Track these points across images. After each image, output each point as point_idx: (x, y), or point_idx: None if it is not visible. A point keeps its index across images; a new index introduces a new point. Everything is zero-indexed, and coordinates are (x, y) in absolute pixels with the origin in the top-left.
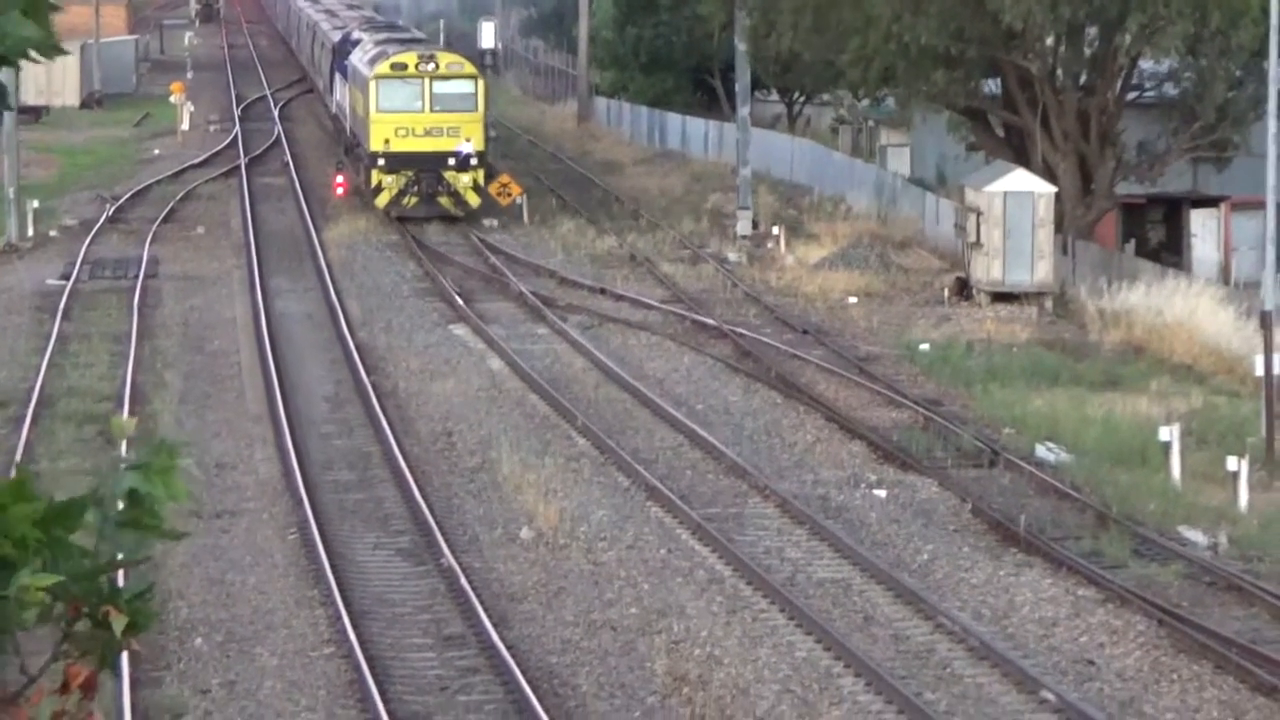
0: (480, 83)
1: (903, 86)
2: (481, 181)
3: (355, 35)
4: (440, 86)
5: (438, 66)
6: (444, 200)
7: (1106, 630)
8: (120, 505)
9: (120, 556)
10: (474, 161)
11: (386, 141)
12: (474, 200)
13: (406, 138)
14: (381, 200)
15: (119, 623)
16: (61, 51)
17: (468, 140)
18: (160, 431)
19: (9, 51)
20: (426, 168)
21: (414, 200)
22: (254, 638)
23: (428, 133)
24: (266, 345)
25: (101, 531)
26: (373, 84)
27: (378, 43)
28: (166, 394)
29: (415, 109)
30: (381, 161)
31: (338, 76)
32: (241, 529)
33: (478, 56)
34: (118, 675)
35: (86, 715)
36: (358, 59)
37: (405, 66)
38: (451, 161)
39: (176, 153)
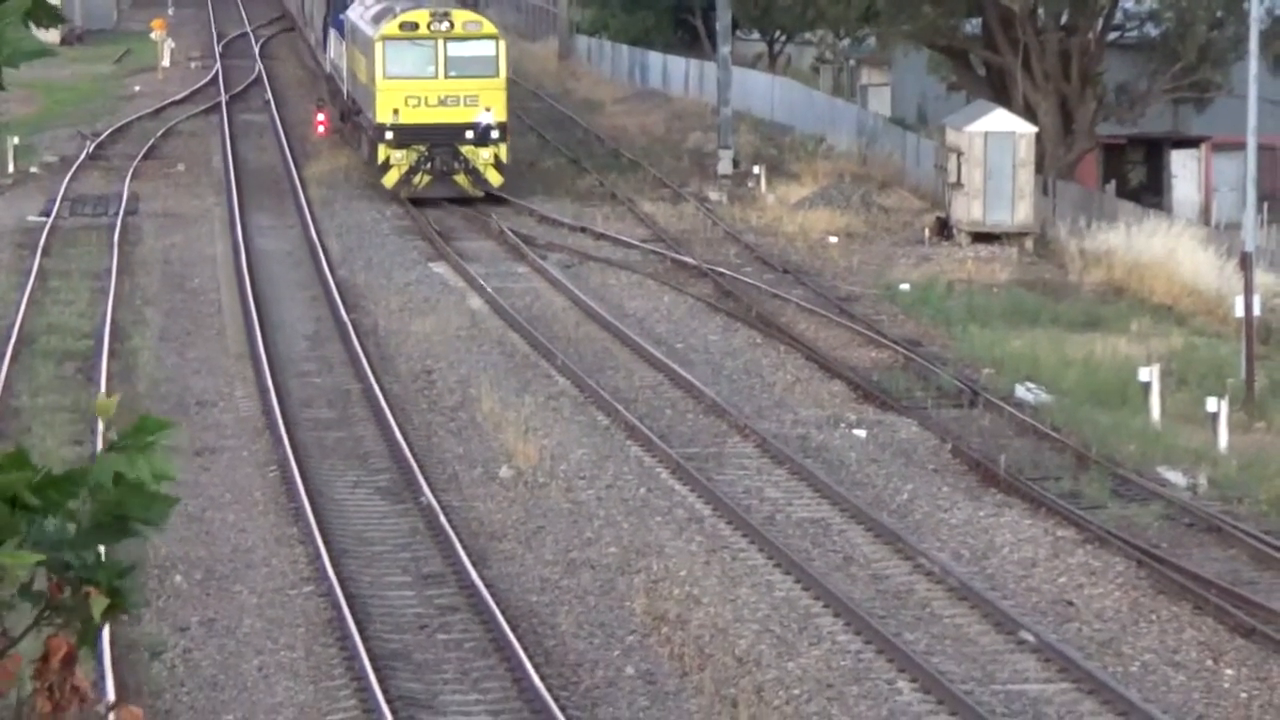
0: (501, 44)
1: (884, 23)
2: (504, 157)
3: None
4: (456, 49)
5: (452, 26)
6: (460, 179)
7: (1086, 571)
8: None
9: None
10: (495, 134)
11: (395, 112)
12: (495, 179)
13: (418, 108)
14: (389, 179)
15: (98, 604)
16: (53, 53)
17: (488, 110)
18: (141, 368)
19: (7, 62)
20: (440, 141)
21: (426, 179)
22: (233, 575)
23: (442, 102)
24: (246, 283)
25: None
26: (379, 46)
27: None
28: (147, 331)
29: (428, 75)
30: (389, 135)
31: (333, 33)
32: (221, 466)
33: None
34: (98, 652)
35: (70, 685)
36: (358, 15)
37: (416, 26)
38: (469, 134)
39: (157, 89)
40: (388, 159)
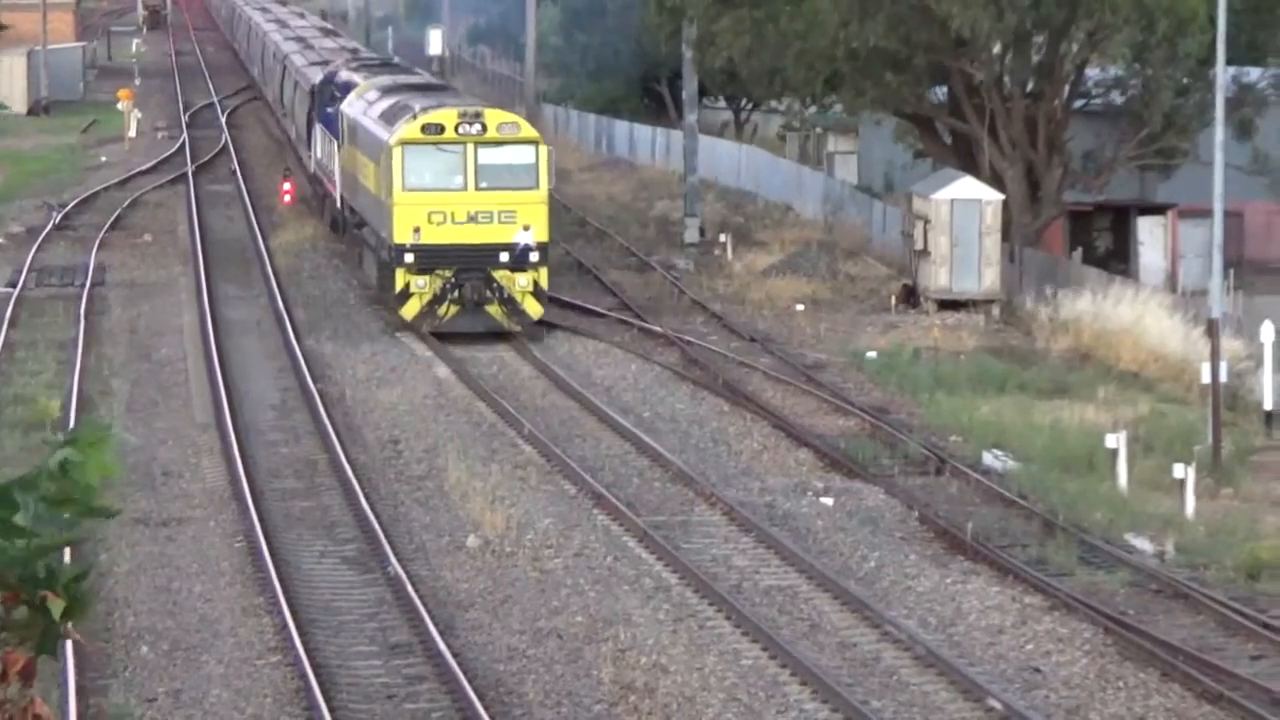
0: (542, 150)
1: (849, 90)
2: (545, 284)
3: (344, 76)
4: (489, 155)
5: (485, 129)
6: (494, 310)
7: (1053, 638)
8: (55, 483)
9: (57, 536)
10: (535, 257)
11: (416, 230)
12: (535, 309)
13: (443, 225)
14: (409, 310)
15: (56, 607)
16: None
17: (526, 228)
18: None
19: None
20: (470, 265)
21: (453, 310)
22: (200, 646)
23: (472, 218)
24: (214, 353)
25: (34, 511)
26: (397, 152)
27: (385, 90)
28: (113, 402)
29: (455, 186)
30: (409, 258)
31: (320, 130)
32: (188, 537)
33: (426, 63)
34: (62, 679)
35: (27, 702)
36: (359, 111)
37: (441, 129)
38: (504, 257)
39: (124, 159)
40: (407, 286)
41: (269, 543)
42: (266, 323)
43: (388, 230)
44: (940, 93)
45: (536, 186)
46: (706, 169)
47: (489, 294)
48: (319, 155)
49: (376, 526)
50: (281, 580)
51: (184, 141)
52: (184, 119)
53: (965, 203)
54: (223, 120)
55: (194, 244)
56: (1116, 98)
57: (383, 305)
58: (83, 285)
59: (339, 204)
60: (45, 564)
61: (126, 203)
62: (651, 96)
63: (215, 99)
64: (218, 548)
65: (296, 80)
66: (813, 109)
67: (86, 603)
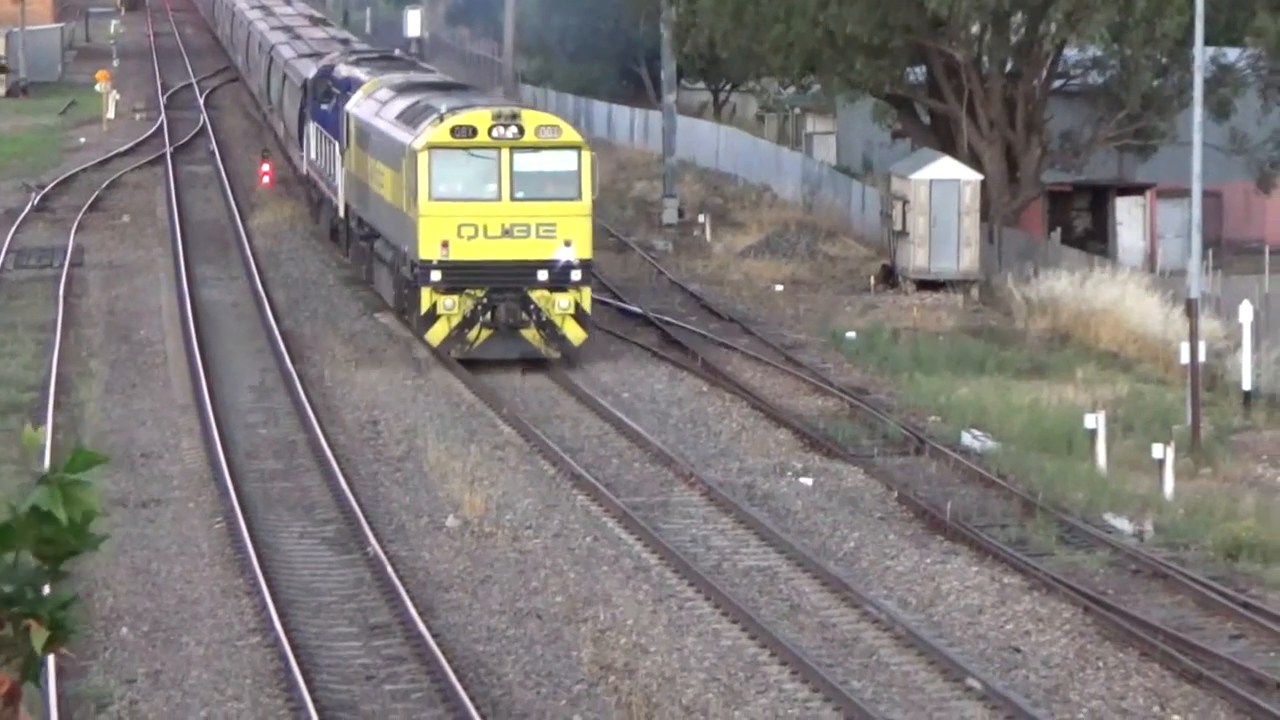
0: (585, 155)
1: (827, 73)
2: (587, 305)
3: (344, 71)
4: (526, 161)
5: (522, 132)
6: (531, 334)
7: (1032, 618)
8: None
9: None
10: (576, 275)
11: (444, 245)
12: (576, 334)
13: (475, 239)
14: (436, 333)
15: (39, 637)
16: None
17: (568, 243)
18: (87, 420)
19: None
20: (505, 285)
21: (485, 334)
22: (180, 627)
23: (506, 232)
24: (192, 334)
25: (16, 555)
26: (423, 158)
27: (400, 89)
28: (92, 383)
29: (489, 196)
30: (436, 276)
31: (313, 127)
32: (167, 518)
33: (404, 45)
34: (42, 686)
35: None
36: (371, 111)
37: (473, 131)
38: (543, 275)
39: (102, 141)
40: (434, 307)
41: (248, 524)
42: (245, 304)
43: (411, 245)
44: (919, 73)
45: (579, 197)
46: (685, 150)
47: (525, 316)
48: (313, 156)
49: (356, 507)
50: (261, 561)
51: (162, 123)
52: (162, 100)
53: (944, 183)
54: (201, 102)
55: (172, 225)
56: (1095, 78)
57: (355, 285)
58: (61, 266)
59: (341, 212)
60: (32, 589)
61: (105, 184)
62: (630, 78)
63: (193, 80)
64: (197, 529)
65: (285, 74)
66: (791, 90)
67: (72, 630)
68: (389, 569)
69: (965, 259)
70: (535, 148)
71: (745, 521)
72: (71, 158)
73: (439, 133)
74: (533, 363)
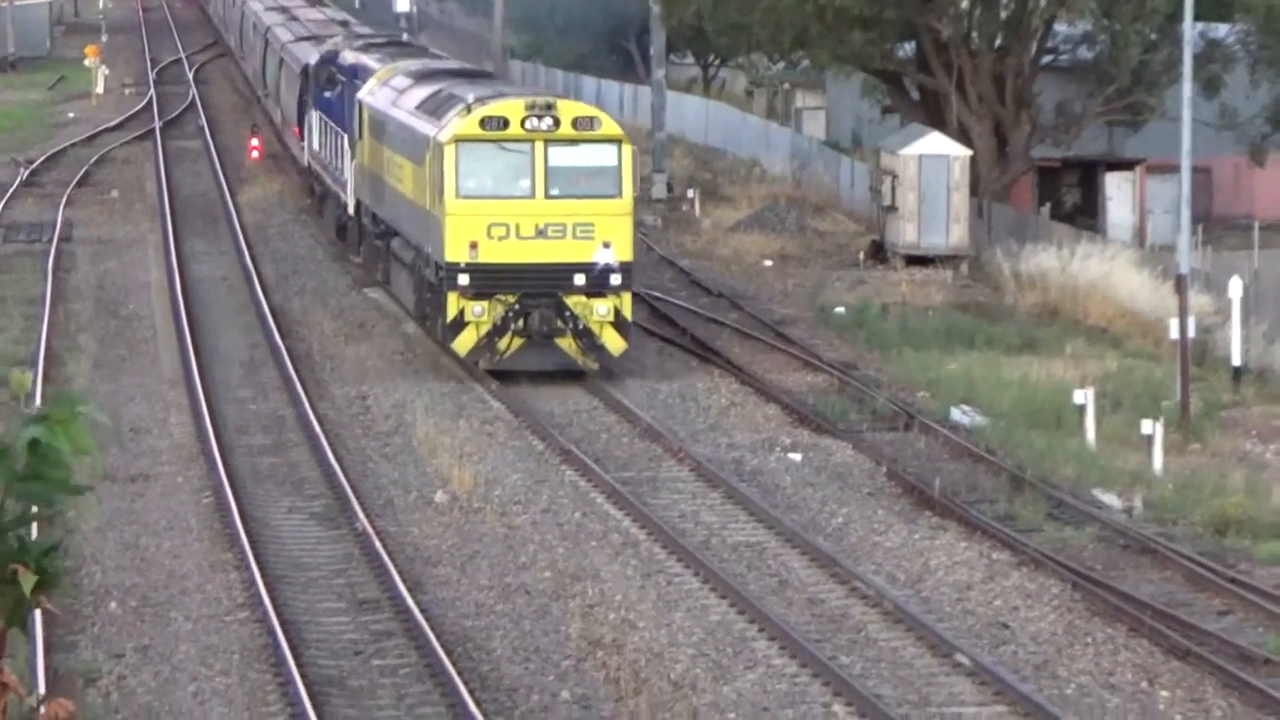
0: (626, 149)
1: (817, 48)
2: (628, 312)
3: (351, 57)
4: (562, 155)
5: (558, 124)
6: (567, 343)
7: (1021, 594)
8: (24, 459)
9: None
10: (616, 279)
11: (473, 246)
12: (616, 343)
13: (506, 240)
14: (464, 342)
15: (27, 581)
16: None
17: (607, 245)
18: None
19: None
20: (538, 290)
21: (517, 343)
22: (168, 602)
23: (540, 232)
24: (181, 309)
25: (7, 487)
26: (449, 151)
27: (418, 77)
28: (81, 358)
29: (521, 193)
30: (464, 280)
31: (317, 117)
32: (156, 493)
33: (393, 21)
34: (30, 636)
35: None
36: (387, 100)
37: (505, 123)
38: (580, 279)
39: (91, 116)
40: (461, 314)
41: (237, 499)
42: (234, 279)
43: (436, 246)
44: (908, 48)
45: (619, 194)
46: (674, 125)
47: (560, 324)
48: (315, 147)
49: (344, 482)
50: (249, 536)
51: (151, 98)
52: (151, 75)
53: (933, 158)
54: (190, 76)
55: (161, 200)
56: (1085, 53)
57: (344, 260)
58: (50, 241)
59: (351, 209)
60: (17, 536)
61: (94, 159)
62: (619, 53)
63: (183, 55)
64: (186, 504)
65: (283, 58)
66: (780, 65)
67: (58, 576)
68: (377, 544)
69: (954, 234)
70: (572, 141)
71: (734, 497)
72: (60, 133)
73: (467, 124)
74: (568, 374)
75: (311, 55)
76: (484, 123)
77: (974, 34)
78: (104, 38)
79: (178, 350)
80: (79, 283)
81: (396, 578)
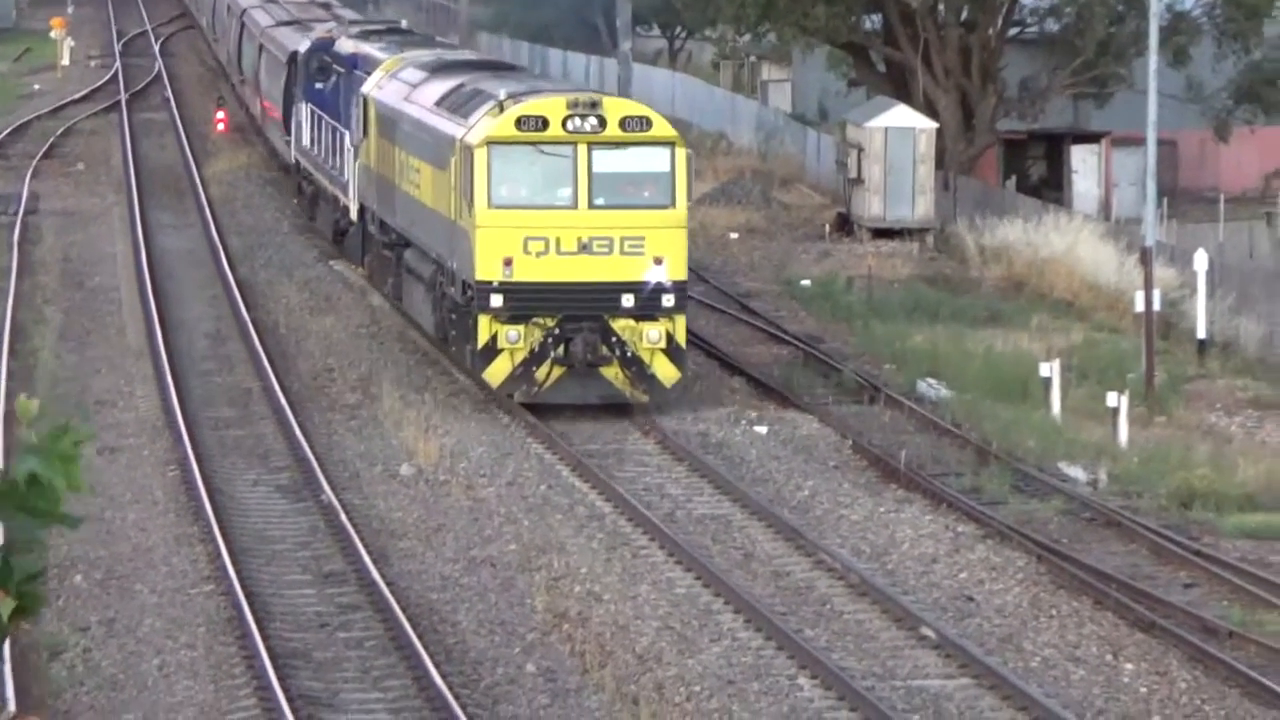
0: (680, 153)
1: (783, 21)
2: (682, 339)
3: (349, 46)
4: (609, 160)
5: (603, 124)
6: (612, 372)
7: (986, 566)
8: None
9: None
10: (669, 301)
11: (507, 263)
12: (668, 373)
13: (545, 256)
14: (497, 371)
15: (6, 607)
16: None
17: (659, 261)
18: (41, 367)
19: None
20: (581, 312)
21: (557, 372)
22: (133, 575)
23: (584, 247)
24: (147, 281)
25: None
26: (480, 155)
27: (434, 69)
28: (47, 330)
29: (562, 202)
30: (497, 301)
31: (307, 110)
32: (121, 465)
33: None
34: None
35: None
36: (398, 94)
37: (544, 123)
38: (628, 300)
39: (57, 88)
40: (494, 340)
41: (202, 471)
42: (200, 251)
43: (464, 262)
44: (874, 21)
45: (672, 204)
46: (641, 97)
47: (606, 352)
48: (306, 143)
49: (310, 455)
50: (215, 509)
51: (117, 70)
52: (117, 47)
53: (899, 131)
54: (156, 49)
55: (127, 172)
56: (1051, 25)
57: (311, 233)
58: (16, 214)
59: (354, 214)
60: (2, 559)
61: (60, 131)
62: (586, 25)
63: (149, 27)
64: (151, 476)
65: (263, 45)
66: (747, 38)
67: (38, 603)
68: (343, 517)
69: (920, 207)
70: (620, 143)
71: (699, 470)
72: (26, 105)
73: (501, 124)
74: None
75: (299, 42)
76: (520, 123)
77: (940, 6)
78: (70, 9)
79: (143, 322)
80: (44, 255)
81: (362, 550)
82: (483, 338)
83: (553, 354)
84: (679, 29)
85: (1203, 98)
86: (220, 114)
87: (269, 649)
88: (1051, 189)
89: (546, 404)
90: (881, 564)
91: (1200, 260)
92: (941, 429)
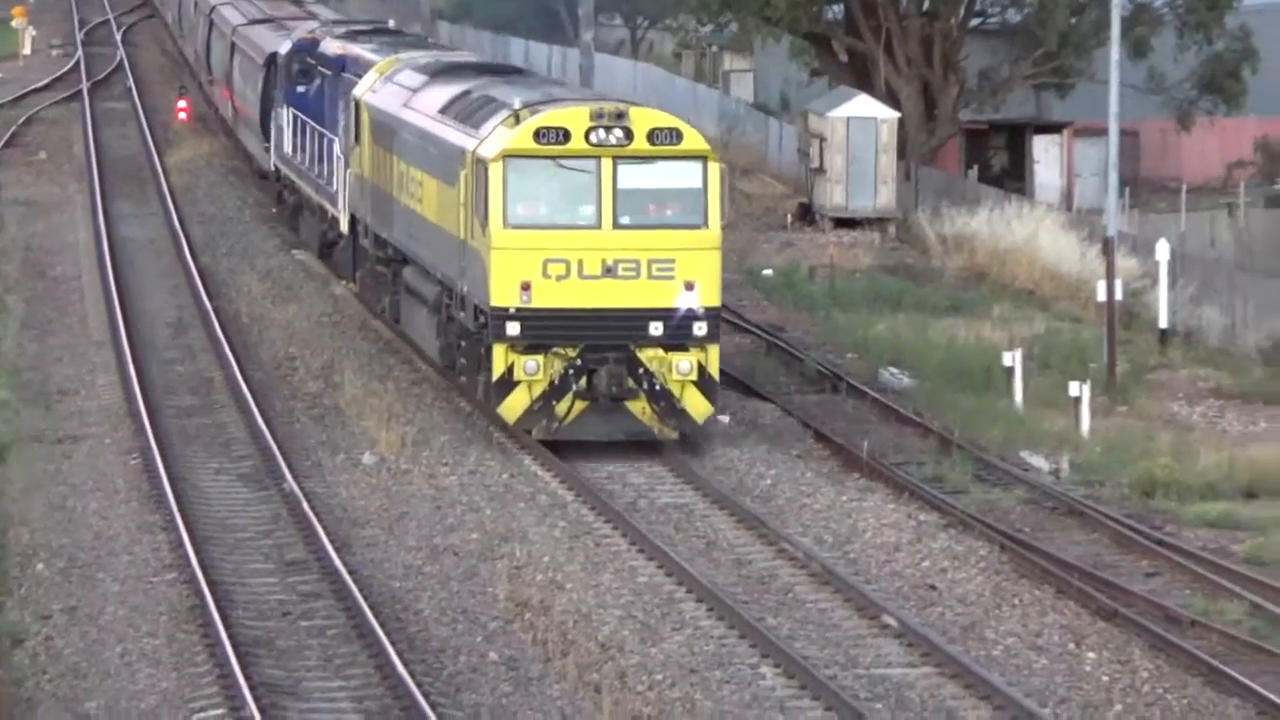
0: (713, 168)
1: (745, 10)
2: (714, 369)
3: (334, 47)
4: (635, 175)
5: (630, 136)
6: (639, 406)
7: (948, 555)
8: None
9: None
10: (701, 330)
11: (525, 288)
12: (700, 407)
13: (566, 280)
14: (513, 406)
15: None
16: None
17: (690, 286)
18: (3, 356)
19: None
20: (605, 341)
21: (579, 406)
22: (95, 563)
23: (609, 270)
24: (109, 270)
25: None
26: (496, 169)
27: (435, 73)
28: (8, 319)
29: (585, 222)
30: (514, 329)
31: (288, 115)
32: (83, 454)
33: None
34: None
35: None
36: (394, 101)
37: (566, 135)
38: (656, 329)
39: (18, 77)
40: (510, 371)
41: (164, 460)
42: (162, 240)
43: (476, 285)
44: (836, 11)
45: (705, 224)
46: (603, 87)
47: (632, 384)
48: (287, 150)
49: (272, 444)
50: (177, 497)
51: (79, 59)
52: (79, 36)
53: (861, 121)
54: (118, 37)
55: (89, 161)
56: (1012, 16)
57: (272, 222)
58: None
59: (345, 226)
60: None
61: (21, 120)
62: (548, 15)
63: (110, 16)
64: (113, 465)
65: (235, 43)
66: (709, 28)
67: None
68: (305, 505)
69: (882, 197)
70: (647, 157)
71: (661, 459)
72: None
73: (518, 136)
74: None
75: (278, 43)
76: (539, 135)
77: None
78: None
79: (105, 311)
80: (6, 244)
81: (324, 539)
82: (498, 369)
83: (574, 387)
84: (641, 19)
85: (1165, 89)
86: (182, 103)
87: (231, 637)
88: (1013, 179)
89: (567, 441)
90: (844, 553)
91: (1162, 250)
92: (904, 418)
